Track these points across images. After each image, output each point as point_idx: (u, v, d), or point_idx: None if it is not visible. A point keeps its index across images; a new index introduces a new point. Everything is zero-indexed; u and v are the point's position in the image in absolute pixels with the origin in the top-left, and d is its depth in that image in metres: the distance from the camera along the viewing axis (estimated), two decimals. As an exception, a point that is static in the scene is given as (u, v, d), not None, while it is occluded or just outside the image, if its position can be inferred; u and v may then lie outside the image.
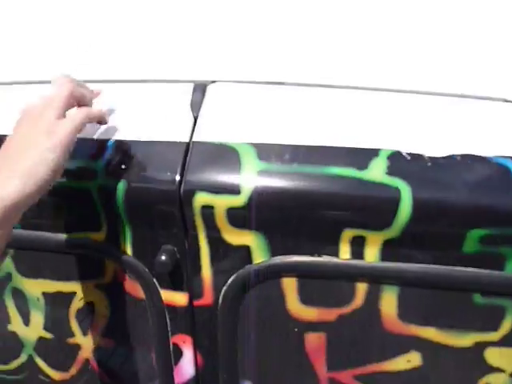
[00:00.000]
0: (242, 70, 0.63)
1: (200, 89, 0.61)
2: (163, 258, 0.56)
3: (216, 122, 0.58)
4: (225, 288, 0.58)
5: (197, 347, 0.62)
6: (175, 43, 0.69)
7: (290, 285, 0.57)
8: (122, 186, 0.55)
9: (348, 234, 0.52)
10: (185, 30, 0.72)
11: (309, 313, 0.57)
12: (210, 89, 0.61)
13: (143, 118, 0.60)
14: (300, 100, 0.58)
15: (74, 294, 0.65)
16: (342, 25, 0.69)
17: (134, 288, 0.62)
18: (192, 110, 0.59)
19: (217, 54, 0.66)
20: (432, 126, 0.54)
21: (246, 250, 0.55)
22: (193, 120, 0.58)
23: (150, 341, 0.64)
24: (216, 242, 0.56)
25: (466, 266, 0.52)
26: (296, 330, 0.58)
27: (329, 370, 0.60)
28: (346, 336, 0.58)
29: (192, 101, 0.60)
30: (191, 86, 0.62)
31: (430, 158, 0.51)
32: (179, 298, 0.60)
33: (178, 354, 0.63)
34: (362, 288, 0.55)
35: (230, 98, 0.60)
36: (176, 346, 0.63)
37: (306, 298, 0.57)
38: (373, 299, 0.55)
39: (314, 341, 0.59)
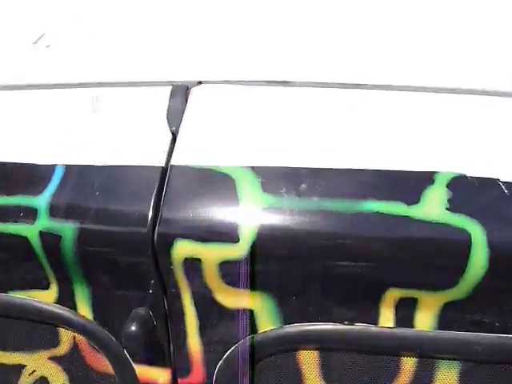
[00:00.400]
0: (233, 68, 0.48)
1: (180, 93, 0.45)
2: (134, 327, 0.41)
3: (202, 138, 0.42)
4: (220, 363, 0.42)
5: None
6: (151, 39, 0.54)
7: (309, 359, 0.41)
8: (71, 230, 0.39)
9: (393, 294, 0.36)
10: (163, 27, 0.56)
11: (335, 395, 0.42)
12: (193, 92, 0.46)
13: (104, 134, 0.44)
14: (309, 104, 0.43)
15: (22, 367, 0.49)
16: (341, 22, 0.53)
17: (99, 361, 0.46)
18: (169, 121, 0.43)
19: (202, 51, 0.50)
20: (501, 136, 0.39)
21: (247, 315, 0.40)
22: (171, 135, 0.42)
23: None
24: (206, 304, 0.40)
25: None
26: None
27: None
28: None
29: (169, 109, 0.44)
30: (168, 89, 0.46)
31: (507, 183, 0.36)
32: (160, 375, 0.44)
33: None
34: (409, 364, 0.40)
35: (219, 105, 0.44)
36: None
37: (331, 377, 0.41)
38: (424, 379, 0.40)
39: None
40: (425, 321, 0.37)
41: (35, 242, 0.40)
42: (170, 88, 0.46)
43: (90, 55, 0.52)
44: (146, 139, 0.42)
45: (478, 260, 0.34)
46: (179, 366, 0.43)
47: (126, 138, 0.43)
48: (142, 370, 0.45)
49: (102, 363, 0.46)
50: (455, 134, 0.39)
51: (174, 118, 0.43)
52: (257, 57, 0.48)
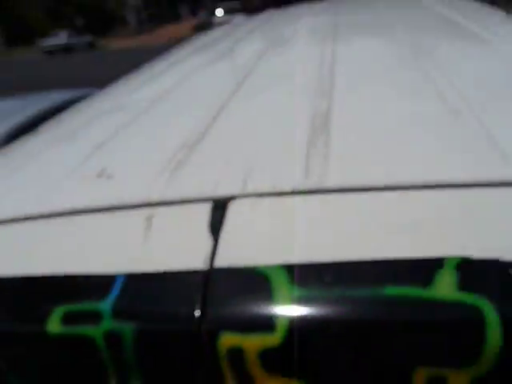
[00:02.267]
0: (263, 182, 0.57)
1: (220, 206, 0.54)
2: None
3: (239, 244, 0.49)
4: None
5: None
6: (191, 159, 0.64)
7: None
8: (131, 331, 0.45)
9: (421, 373, 0.39)
10: (200, 147, 0.67)
11: None
12: (231, 205, 0.54)
13: (155, 246, 0.52)
14: (330, 209, 0.50)
15: None
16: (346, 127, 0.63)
17: None
18: (212, 231, 0.51)
19: (234, 169, 0.60)
20: (497, 217, 0.44)
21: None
22: (213, 243, 0.50)
23: None
24: (250, 393, 0.44)
25: None
26: None
27: None
28: None
29: (211, 221, 0.52)
30: (210, 204, 0.55)
31: (507, 263, 0.40)
32: None
33: None
34: None
35: (253, 215, 0.52)
36: None
37: None
38: None
39: None
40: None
41: (100, 341, 0.46)
42: (211, 203, 0.54)
43: (140, 180, 0.62)
44: (191, 248, 0.50)
45: (493, 334, 0.37)
46: None
47: (175, 248, 0.50)
48: None
49: None
50: (450, 220, 0.45)
51: (215, 228, 0.51)
52: (277, 170, 0.57)
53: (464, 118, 0.62)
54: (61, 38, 29.78)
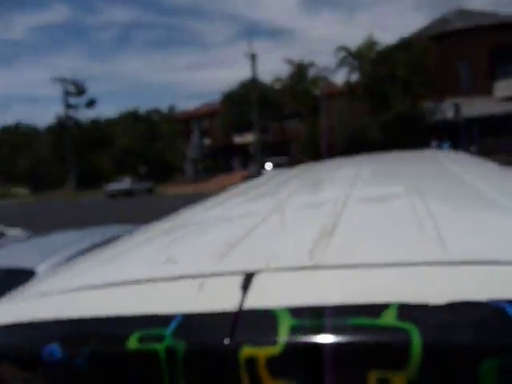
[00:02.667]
0: (280, 259, 0.82)
1: (248, 278, 0.79)
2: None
3: (260, 298, 0.73)
4: None
5: None
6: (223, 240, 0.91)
7: None
8: (183, 346, 0.68)
9: (374, 374, 0.59)
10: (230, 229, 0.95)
11: None
12: (256, 277, 0.79)
13: (202, 297, 0.76)
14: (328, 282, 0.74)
15: None
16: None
17: None
18: (242, 290, 0.76)
19: (257, 248, 0.86)
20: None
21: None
22: (241, 297, 0.74)
23: None
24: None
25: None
26: None
27: None
28: None
29: (242, 284, 0.77)
30: (241, 276, 0.80)
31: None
32: None
33: None
34: None
35: (274, 288, 0.76)
36: None
37: None
38: None
39: None
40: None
41: (162, 353, 0.68)
42: (243, 276, 0.80)
43: (197, 263, 0.89)
44: (227, 300, 0.74)
45: (417, 348, 0.58)
46: None
47: (216, 299, 0.75)
48: None
49: None
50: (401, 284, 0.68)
51: (245, 288, 0.75)
52: (290, 257, 0.82)
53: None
54: (124, 183, 32.76)
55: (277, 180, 2.15)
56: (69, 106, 44.56)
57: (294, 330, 0.64)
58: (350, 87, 33.96)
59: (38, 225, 11.51)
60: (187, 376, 0.67)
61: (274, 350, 0.63)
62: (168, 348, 0.69)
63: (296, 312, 0.67)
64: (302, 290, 0.72)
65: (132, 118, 46.13)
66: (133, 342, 0.71)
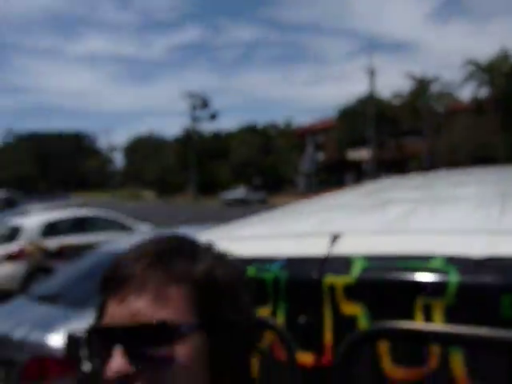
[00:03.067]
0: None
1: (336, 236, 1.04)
2: (302, 320, 0.90)
3: (341, 250, 0.98)
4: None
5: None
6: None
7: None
8: (284, 276, 0.96)
9: (421, 301, 0.81)
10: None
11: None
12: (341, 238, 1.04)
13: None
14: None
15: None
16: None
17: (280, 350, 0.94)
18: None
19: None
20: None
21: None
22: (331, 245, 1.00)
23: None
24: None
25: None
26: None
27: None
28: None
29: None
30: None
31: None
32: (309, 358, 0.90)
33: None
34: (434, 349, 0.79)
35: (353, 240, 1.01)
36: None
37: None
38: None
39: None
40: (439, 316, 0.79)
41: (269, 280, 0.97)
42: (331, 236, 1.05)
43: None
44: (317, 250, 1.00)
45: (453, 285, 0.79)
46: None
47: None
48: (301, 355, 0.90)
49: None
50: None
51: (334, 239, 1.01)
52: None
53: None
54: (240, 192, 34.35)
55: (382, 184, 2.30)
56: (194, 118, 48.08)
57: (365, 269, 0.89)
58: (477, 103, 31.79)
59: (163, 222, 12.88)
60: (288, 299, 0.95)
61: (349, 280, 0.88)
62: (289, 278, 0.97)
63: (368, 258, 0.91)
64: (373, 245, 0.96)
65: (250, 132, 48.30)
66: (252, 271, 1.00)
